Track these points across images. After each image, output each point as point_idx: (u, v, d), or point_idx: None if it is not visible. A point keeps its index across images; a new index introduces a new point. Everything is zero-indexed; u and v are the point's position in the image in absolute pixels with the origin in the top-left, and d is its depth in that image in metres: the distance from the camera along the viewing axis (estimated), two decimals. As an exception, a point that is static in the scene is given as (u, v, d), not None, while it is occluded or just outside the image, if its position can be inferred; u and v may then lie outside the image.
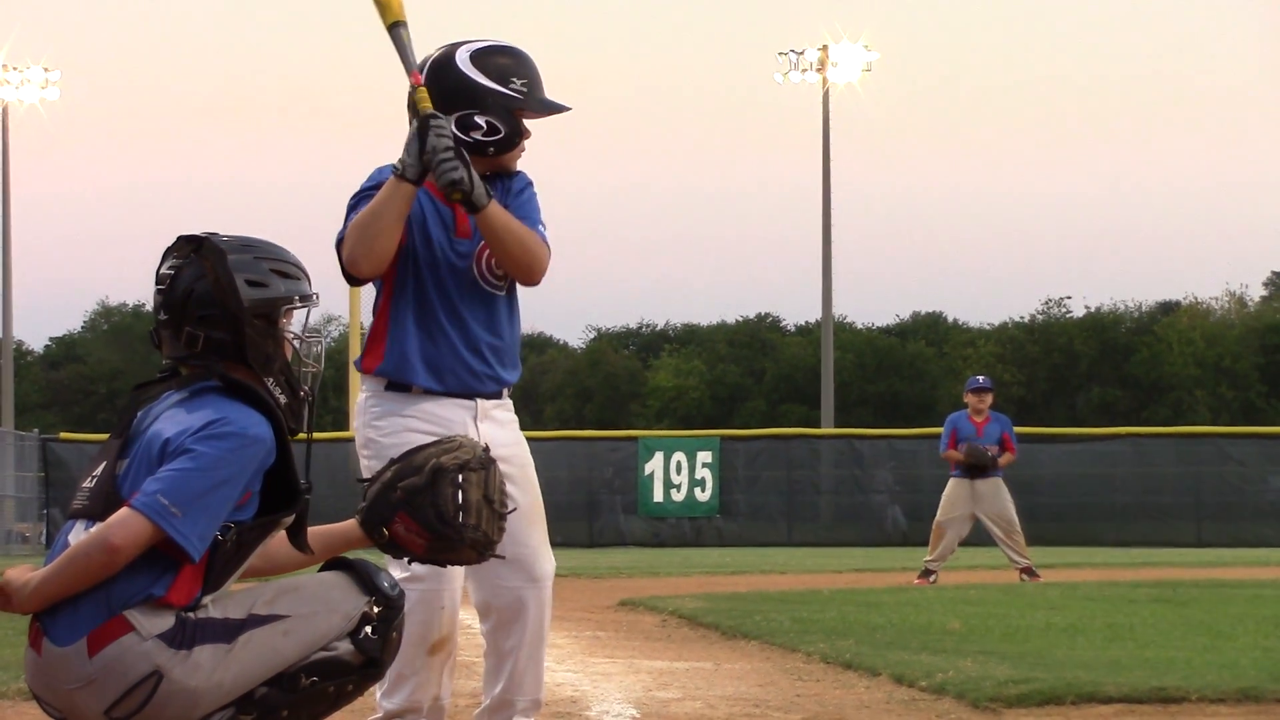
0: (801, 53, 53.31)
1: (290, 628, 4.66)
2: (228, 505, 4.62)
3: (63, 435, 40.69)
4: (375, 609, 4.76)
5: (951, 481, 19.20)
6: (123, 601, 4.55)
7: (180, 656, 4.55)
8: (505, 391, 5.98)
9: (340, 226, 5.74)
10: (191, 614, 4.60)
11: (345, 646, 4.71)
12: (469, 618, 6.84)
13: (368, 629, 4.72)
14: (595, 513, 36.00)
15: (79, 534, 4.63)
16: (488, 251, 5.81)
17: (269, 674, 4.63)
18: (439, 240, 5.81)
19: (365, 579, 4.79)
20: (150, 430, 4.69)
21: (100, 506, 4.64)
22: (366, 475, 5.75)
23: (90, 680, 4.54)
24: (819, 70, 52.93)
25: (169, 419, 4.70)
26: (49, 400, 77.55)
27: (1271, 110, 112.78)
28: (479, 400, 5.86)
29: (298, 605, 4.70)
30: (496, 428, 5.89)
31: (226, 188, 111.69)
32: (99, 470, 4.71)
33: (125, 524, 4.52)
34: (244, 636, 4.61)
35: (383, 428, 5.83)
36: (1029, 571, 18.56)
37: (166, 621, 4.57)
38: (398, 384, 5.84)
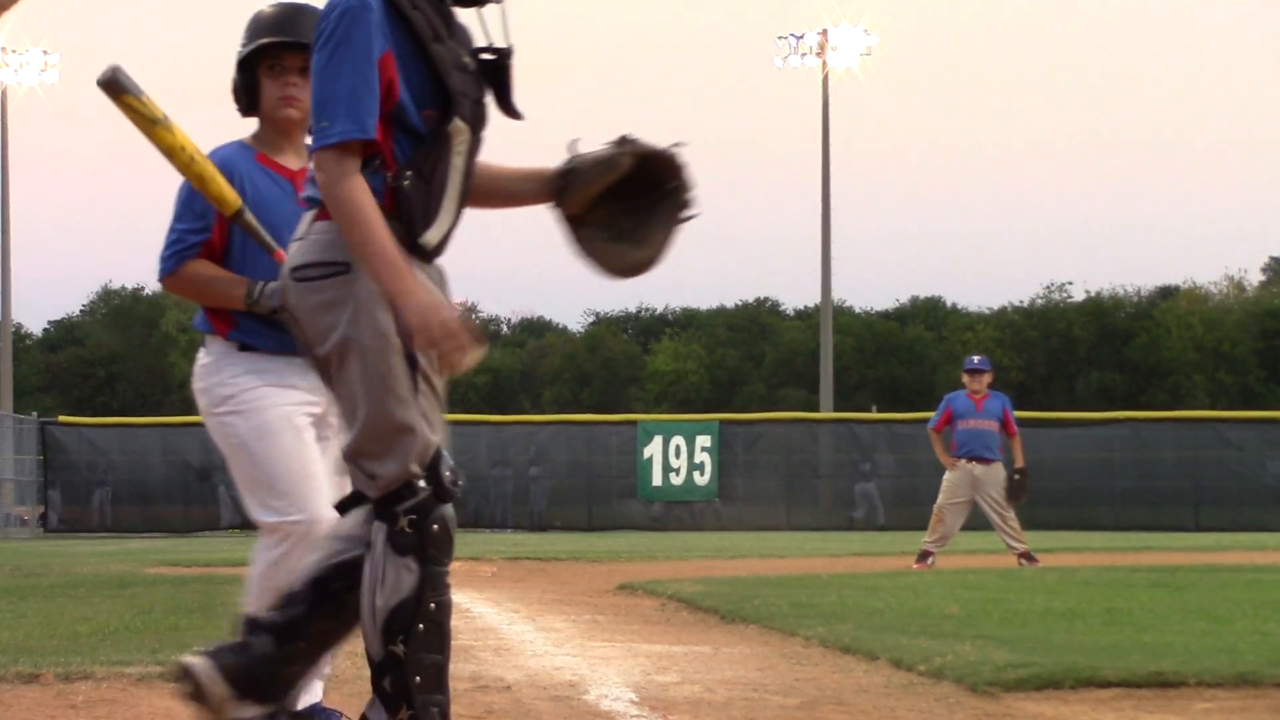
0: (801, 37, 53.32)
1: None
2: (363, 70, 4.60)
3: (61, 418, 40.71)
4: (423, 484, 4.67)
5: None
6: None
7: None
8: None
9: None
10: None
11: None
12: (466, 600, 6.84)
13: (405, 521, 4.65)
14: (594, 496, 36.00)
15: None
16: (304, 174, 5.87)
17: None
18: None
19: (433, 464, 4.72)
20: None
21: None
22: (227, 458, 5.79)
23: None
24: (818, 54, 52.95)
25: None
26: (48, 383, 77.56)
27: (1271, 97, 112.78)
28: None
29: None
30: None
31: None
32: None
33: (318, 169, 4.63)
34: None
35: (241, 384, 5.82)
36: (1027, 556, 18.47)
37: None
38: (249, 347, 5.87)
